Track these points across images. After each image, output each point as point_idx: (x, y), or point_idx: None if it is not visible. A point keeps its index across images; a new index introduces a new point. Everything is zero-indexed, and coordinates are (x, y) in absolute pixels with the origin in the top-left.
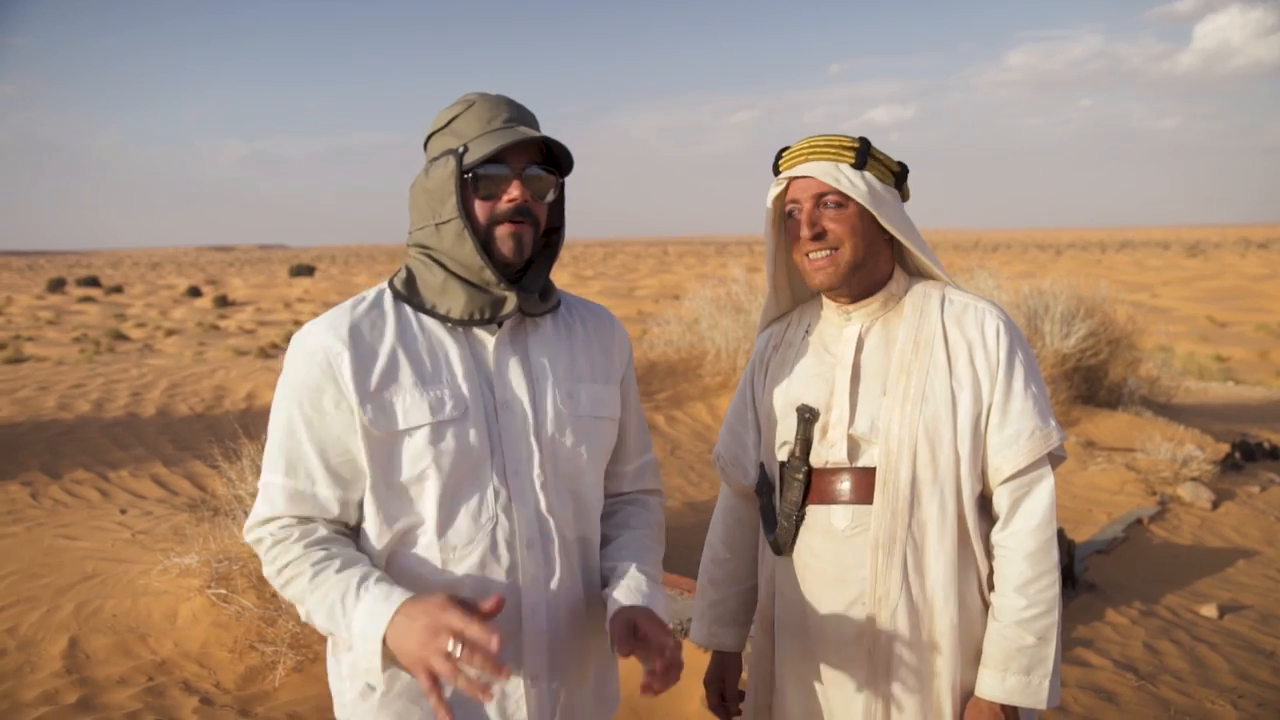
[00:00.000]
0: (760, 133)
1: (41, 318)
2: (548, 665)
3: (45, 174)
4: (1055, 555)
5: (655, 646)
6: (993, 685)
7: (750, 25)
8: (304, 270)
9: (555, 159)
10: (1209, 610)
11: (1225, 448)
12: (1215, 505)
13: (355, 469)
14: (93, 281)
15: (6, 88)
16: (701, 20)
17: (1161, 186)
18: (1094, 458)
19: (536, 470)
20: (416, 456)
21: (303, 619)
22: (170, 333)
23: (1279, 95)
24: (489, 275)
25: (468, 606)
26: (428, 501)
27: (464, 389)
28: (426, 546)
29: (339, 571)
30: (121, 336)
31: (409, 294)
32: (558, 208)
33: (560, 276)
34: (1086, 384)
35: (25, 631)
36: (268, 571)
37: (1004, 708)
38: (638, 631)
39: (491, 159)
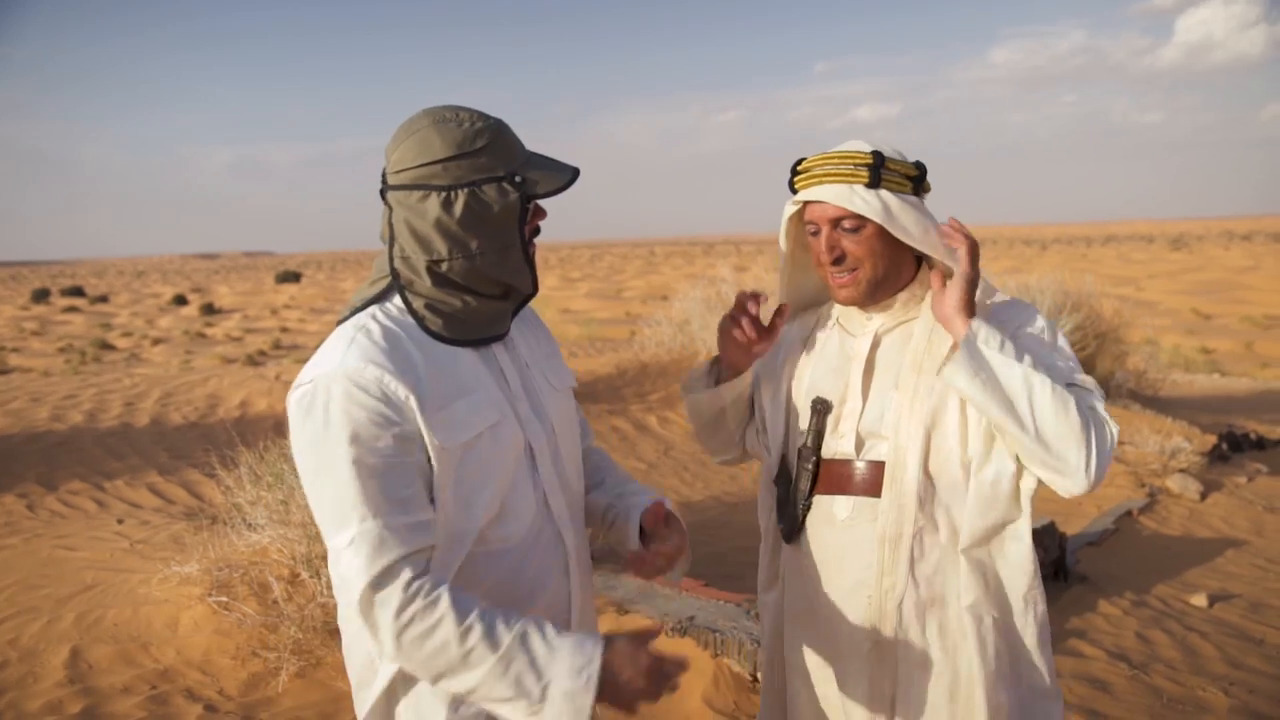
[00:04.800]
0: (746, 133)
1: (26, 328)
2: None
3: (30, 183)
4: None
5: (671, 534)
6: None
7: (735, 25)
8: (290, 277)
9: None
10: (1199, 600)
11: (1212, 439)
12: (1203, 496)
13: (431, 491)
14: (77, 291)
15: None
16: (687, 21)
17: (1146, 181)
18: None
19: (556, 455)
20: (479, 464)
21: (436, 683)
22: (157, 341)
23: (1262, 89)
24: (528, 292)
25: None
26: (488, 506)
27: (494, 393)
28: (486, 546)
29: (506, 626)
30: (108, 346)
31: (429, 318)
32: None
33: (549, 279)
34: None
35: (27, 642)
36: (397, 639)
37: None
38: (669, 520)
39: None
